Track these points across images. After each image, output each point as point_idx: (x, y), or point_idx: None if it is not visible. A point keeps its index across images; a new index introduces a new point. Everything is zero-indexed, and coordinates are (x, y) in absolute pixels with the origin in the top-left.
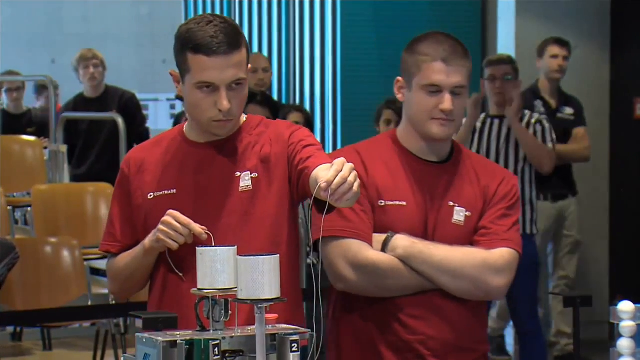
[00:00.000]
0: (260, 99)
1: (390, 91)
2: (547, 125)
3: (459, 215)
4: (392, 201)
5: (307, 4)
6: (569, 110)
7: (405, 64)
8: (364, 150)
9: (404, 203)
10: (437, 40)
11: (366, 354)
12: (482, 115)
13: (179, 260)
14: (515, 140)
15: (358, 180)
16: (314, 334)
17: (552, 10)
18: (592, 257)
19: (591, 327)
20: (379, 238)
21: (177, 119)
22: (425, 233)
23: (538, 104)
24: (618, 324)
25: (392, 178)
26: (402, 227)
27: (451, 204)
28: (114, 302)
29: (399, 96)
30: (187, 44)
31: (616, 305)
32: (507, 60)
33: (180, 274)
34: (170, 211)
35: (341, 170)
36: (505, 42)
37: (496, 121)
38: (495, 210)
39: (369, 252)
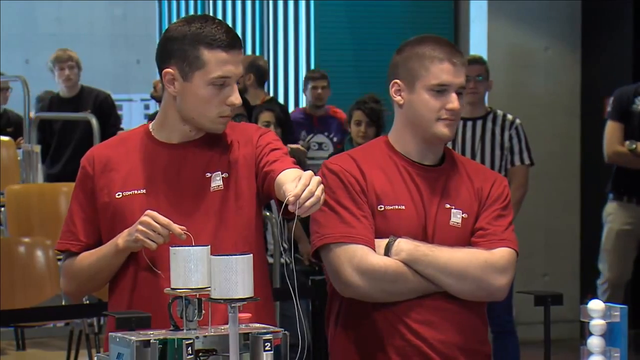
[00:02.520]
0: None
1: (363, 91)
2: (522, 133)
3: (456, 217)
4: (391, 205)
5: (280, 5)
6: None
7: (404, 67)
8: (359, 156)
9: (403, 207)
10: (437, 41)
11: None
12: None
13: (154, 260)
14: (490, 142)
15: (324, 194)
16: (287, 333)
17: (525, 12)
18: (563, 255)
19: (562, 326)
20: (381, 243)
21: (152, 120)
22: (424, 236)
23: (638, 100)
24: (588, 323)
25: (389, 182)
26: (402, 230)
27: (448, 206)
28: (87, 302)
29: (396, 99)
30: (201, 40)
31: (586, 303)
32: (480, 61)
33: (159, 272)
34: (149, 211)
35: (309, 184)
36: (478, 43)
37: (469, 123)
38: (491, 211)
39: (375, 257)
